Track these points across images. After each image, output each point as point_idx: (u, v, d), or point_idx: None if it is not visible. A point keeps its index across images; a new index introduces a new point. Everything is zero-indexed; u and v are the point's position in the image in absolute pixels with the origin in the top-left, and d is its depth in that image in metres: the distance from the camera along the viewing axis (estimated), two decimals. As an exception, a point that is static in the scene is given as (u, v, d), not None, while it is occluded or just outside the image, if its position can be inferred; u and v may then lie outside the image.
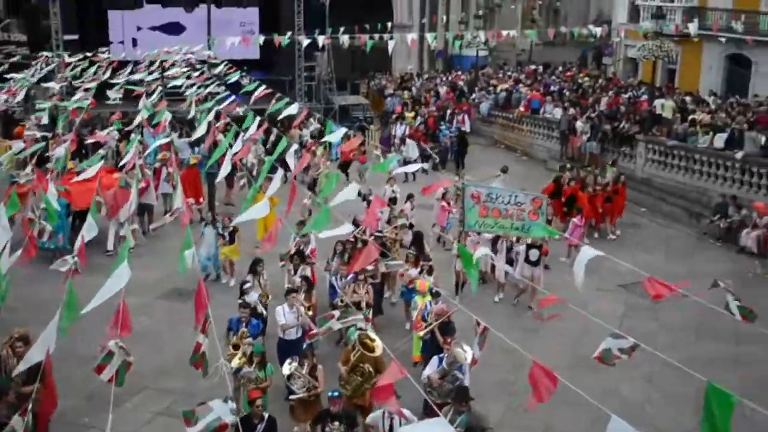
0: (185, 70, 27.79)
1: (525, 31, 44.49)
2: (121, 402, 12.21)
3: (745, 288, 16.35)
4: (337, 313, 12.21)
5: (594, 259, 10.67)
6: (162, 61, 29.69)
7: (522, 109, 35.61)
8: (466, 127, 33.42)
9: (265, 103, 23.33)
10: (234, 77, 27.16)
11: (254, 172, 23.79)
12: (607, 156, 29.61)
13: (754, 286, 19.67)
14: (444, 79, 45.81)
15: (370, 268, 14.74)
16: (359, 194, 16.99)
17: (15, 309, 14.63)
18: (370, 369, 11.52)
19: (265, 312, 14.56)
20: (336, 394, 10.77)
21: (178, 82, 25.75)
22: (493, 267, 18.29)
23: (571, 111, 31.76)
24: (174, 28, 36.36)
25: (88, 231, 11.92)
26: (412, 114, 35.23)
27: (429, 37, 35.33)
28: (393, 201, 20.67)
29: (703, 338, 16.41)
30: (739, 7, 35.49)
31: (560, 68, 49.93)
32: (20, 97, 26.82)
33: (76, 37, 34.40)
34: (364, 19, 40.90)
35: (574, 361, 14.22)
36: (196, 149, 24.94)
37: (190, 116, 23.91)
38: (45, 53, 32.99)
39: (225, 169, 16.31)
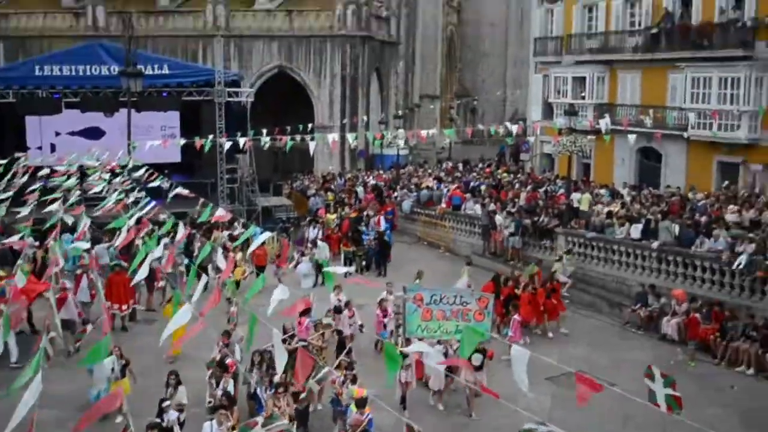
0: (106, 175, 27.51)
1: (444, 129, 45.47)
2: None
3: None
4: (260, 419, 11.93)
5: (525, 355, 10.67)
6: (80, 166, 29.38)
7: (443, 206, 36.09)
8: (382, 228, 32.26)
9: (187, 207, 23.23)
10: (155, 182, 26.98)
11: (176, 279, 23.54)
12: (529, 249, 30.12)
13: (675, 372, 19.94)
14: (365, 179, 46.22)
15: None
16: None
17: None
18: None
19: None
20: None
21: (98, 188, 25.45)
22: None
23: (492, 206, 32.33)
24: (94, 133, 36.22)
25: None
26: (333, 216, 34.86)
27: (350, 137, 35.82)
28: (338, 310, 19.73)
29: (629, 428, 16.48)
30: (646, 102, 37.04)
31: (479, 165, 51.00)
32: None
33: (-8, 143, 33.92)
34: (285, 121, 41.30)
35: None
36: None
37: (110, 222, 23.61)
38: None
39: (142, 273, 16.01)
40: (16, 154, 33.27)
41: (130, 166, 28.72)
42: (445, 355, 16.83)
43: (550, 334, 23.08)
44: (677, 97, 35.54)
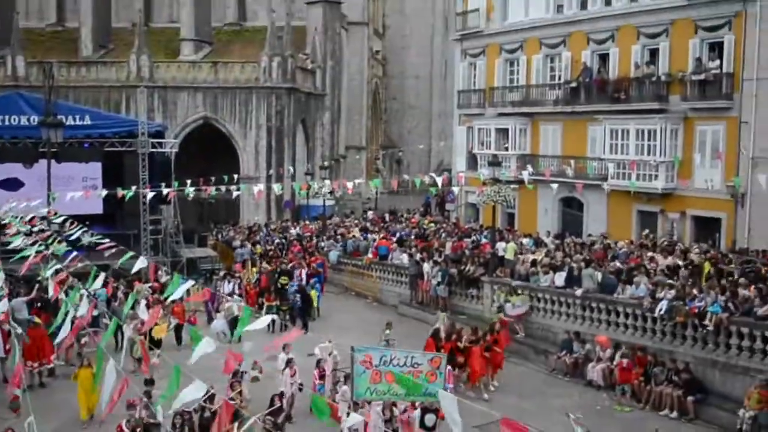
0: (24, 227, 26.77)
1: (370, 180, 45.71)
2: None
3: (595, 420, 16.70)
4: None
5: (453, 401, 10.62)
6: (-2, 218, 28.60)
7: (370, 255, 36.12)
8: (303, 282, 31.74)
9: (110, 259, 22.76)
10: (76, 233, 26.37)
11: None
12: (456, 298, 30.25)
13: (602, 417, 20.20)
14: (289, 230, 46.04)
15: None
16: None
17: None
18: None
19: None
20: None
21: (17, 242, 24.74)
22: None
23: (419, 256, 32.46)
24: (12, 184, 35.33)
25: None
26: (255, 269, 33.97)
27: (275, 187, 35.71)
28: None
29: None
30: (568, 153, 37.88)
31: (405, 215, 51.30)
32: None
33: None
34: (211, 171, 41.02)
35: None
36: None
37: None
38: None
39: (64, 331, 15.61)
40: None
41: (49, 217, 28.05)
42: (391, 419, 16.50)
43: (492, 387, 22.73)
44: (597, 148, 36.48)
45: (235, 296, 28.74)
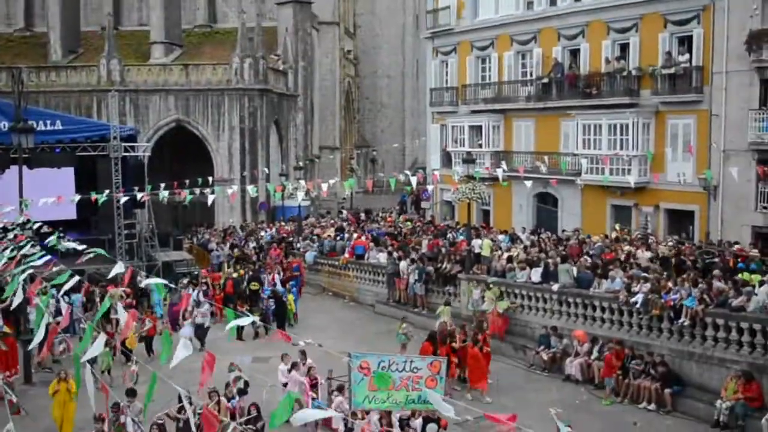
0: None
1: (344, 180, 45.65)
2: None
3: (573, 414, 16.80)
4: None
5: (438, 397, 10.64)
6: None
7: (347, 255, 36.10)
8: (278, 286, 31.27)
9: (85, 264, 22.58)
10: (50, 239, 26.13)
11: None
12: (433, 296, 30.30)
13: (581, 411, 20.33)
14: (262, 232, 45.89)
15: None
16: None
17: None
18: None
19: None
20: None
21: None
22: None
23: (395, 255, 32.49)
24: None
25: None
26: (242, 272, 33.15)
27: (250, 189, 35.51)
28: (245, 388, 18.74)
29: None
30: (541, 149, 38.06)
31: (381, 214, 51.35)
32: None
33: None
34: (184, 174, 40.78)
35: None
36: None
37: None
38: None
39: (39, 336, 15.46)
40: None
41: (21, 222, 27.77)
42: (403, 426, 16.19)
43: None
44: (570, 143, 36.68)
45: (203, 302, 27.55)
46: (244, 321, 12.89)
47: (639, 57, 33.91)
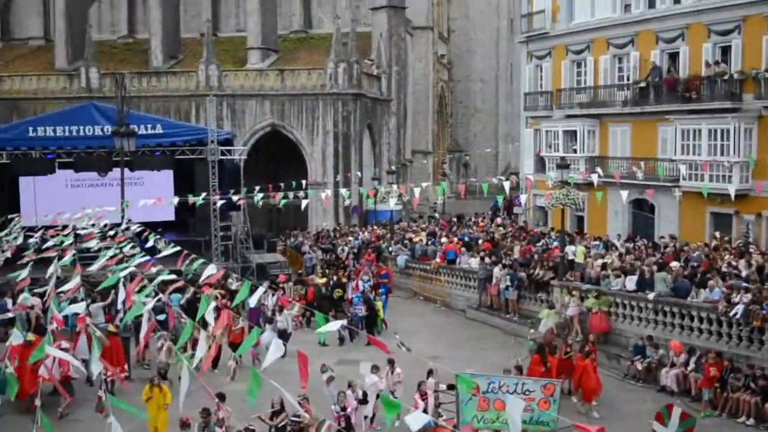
0: (99, 233, 27.42)
1: (437, 185, 45.64)
2: None
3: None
4: None
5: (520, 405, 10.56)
6: (74, 226, 29.30)
7: (438, 260, 36.06)
8: (352, 295, 30.32)
9: (182, 265, 23.15)
10: (149, 240, 26.91)
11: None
12: (525, 303, 30.03)
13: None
14: (358, 236, 46.11)
15: None
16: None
17: None
18: None
19: None
20: None
21: (91, 245, 25.36)
22: None
23: (487, 260, 32.29)
24: (87, 193, 36.23)
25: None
26: (323, 280, 33.08)
27: (343, 193, 35.85)
28: (364, 398, 18.28)
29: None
30: (637, 154, 37.27)
31: (473, 219, 51.12)
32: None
33: (-15, 204, 33.98)
34: (279, 178, 41.42)
35: None
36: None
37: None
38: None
39: (143, 329, 15.90)
40: (10, 216, 33.28)
41: (123, 224, 28.67)
42: None
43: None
44: (668, 149, 35.81)
45: (285, 311, 26.86)
46: (334, 326, 12.95)
47: (741, 60, 32.86)
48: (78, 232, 28.46)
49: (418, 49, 73.71)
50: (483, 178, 43.26)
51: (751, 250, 28.90)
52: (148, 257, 22.30)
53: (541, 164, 43.16)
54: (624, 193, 32.39)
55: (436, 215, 58.14)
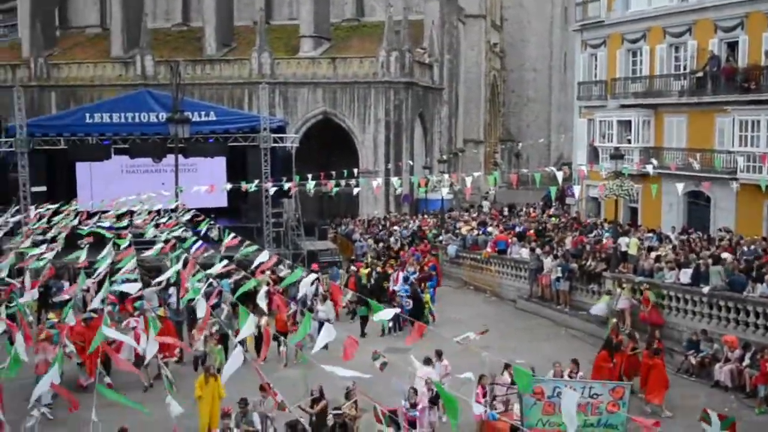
0: (153, 217, 27.83)
1: (488, 174, 45.40)
2: None
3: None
4: None
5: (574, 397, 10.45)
6: (129, 210, 29.77)
7: (489, 250, 35.89)
8: (397, 287, 29.58)
9: (234, 251, 23.39)
10: (202, 226, 27.23)
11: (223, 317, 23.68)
12: (576, 294, 29.77)
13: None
14: (406, 225, 46.05)
15: None
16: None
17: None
18: None
19: None
20: None
21: (146, 230, 25.74)
22: None
23: (539, 251, 32.05)
24: (142, 179, 36.77)
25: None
26: (367, 271, 32.17)
27: (395, 181, 35.80)
28: (435, 399, 17.51)
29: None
30: (694, 146, 36.63)
31: (524, 209, 50.78)
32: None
33: (44, 188, 34.57)
34: (330, 165, 41.55)
35: None
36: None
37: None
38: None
39: (201, 312, 16.09)
40: (66, 201, 33.88)
41: (177, 210, 29.05)
42: None
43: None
44: (725, 140, 35.13)
45: (329, 301, 26.23)
46: (388, 314, 12.92)
47: (803, 50, 32.10)
48: (133, 217, 28.89)
49: (471, 37, 73.28)
50: (535, 169, 42.84)
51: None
52: (201, 243, 22.55)
53: (594, 155, 42.61)
54: (679, 185, 31.87)
55: (487, 204, 57.85)
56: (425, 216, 49.92)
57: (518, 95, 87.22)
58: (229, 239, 24.48)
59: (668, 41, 38.72)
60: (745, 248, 28.51)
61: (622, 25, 41.58)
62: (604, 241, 32.07)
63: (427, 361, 19.10)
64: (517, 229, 38.49)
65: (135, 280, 18.50)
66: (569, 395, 10.26)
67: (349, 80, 55.92)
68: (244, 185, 31.64)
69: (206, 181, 32.06)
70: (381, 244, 40.35)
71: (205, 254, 22.35)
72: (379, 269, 32.23)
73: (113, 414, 13.45)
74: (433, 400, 17.45)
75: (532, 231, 37.61)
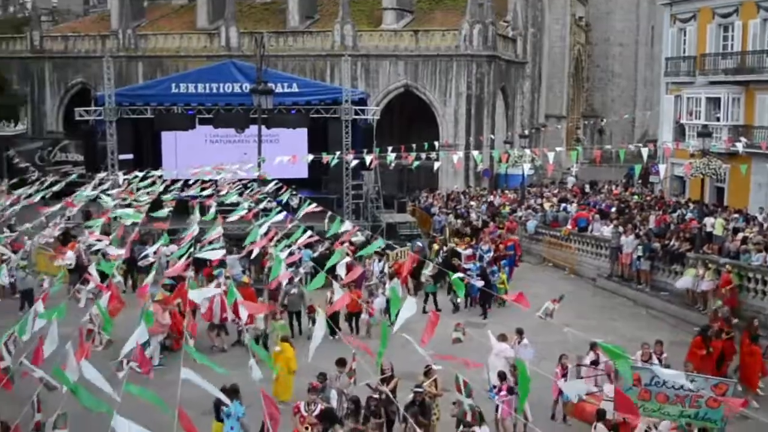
0: (237, 187, 28.24)
1: (570, 150, 44.78)
2: None
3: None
4: None
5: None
6: (214, 180, 30.26)
7: (569, 227, 35.47)
8: (468, 265, 28.22)
9: (315, 221, 23.58)
10: (284, 196, 27.53)
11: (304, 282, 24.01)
12: (658, 274, 29.24)
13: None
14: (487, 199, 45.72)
15: None
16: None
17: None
18: None
19: None
20: None
21: (230, 199, 26.14)
22: None
23: (621, 229, 31.53)
24: (225, 148, 37.39)
25: (140, 337, 12.13)
26: (436, 248, 31.50)
27: (475, 156, 35.52)
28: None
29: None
30: (786, 124, 35.52)
31: (606, 186, 50.01)
32: (77, 210, 27.25)
33: (130, 156, 35.48)
34: (411, 138, 41.50)
35: None
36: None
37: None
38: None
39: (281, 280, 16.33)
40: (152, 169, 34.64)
41: (261, 178, 29.44)
42: None
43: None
44: (820, 119, 33.96)
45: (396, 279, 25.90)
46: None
47: None
48: (217, 186, 29.36)
49: (556, 10, 72.06)
50: (618, 145, 42.04)
51: None
52: (283, 213, 22.81)
53: (680, 132, 41.65)
54: (770, 164, 31.02)
55: (572, 179, 57.09)
56: (505, 191, 49.54)
57: (603, 70, 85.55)
58: (308, 208, 24.70)
59: (762, 16, 37.48)
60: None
61: (714, -1, 40.42)
62: (689, 220, 31.37)
63: (503, 337, 18.79)
64: (599, 207, 37.91)
65: (218, 248, 18.78)
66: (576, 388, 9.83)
67: (431, 53, 55.62)
68: (325, 157, 31.84)
69: (288, 152, 32.31)
70: (460, 220, 39.96)
71: (289, 225, 22.58)
72: (454, 245, 31.34)
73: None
74: (510, 391, 16.56)
75: (613, 209, 37.07)
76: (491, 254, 29.97)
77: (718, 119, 38.64)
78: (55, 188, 29.01)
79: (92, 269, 17.24)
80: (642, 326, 25.27)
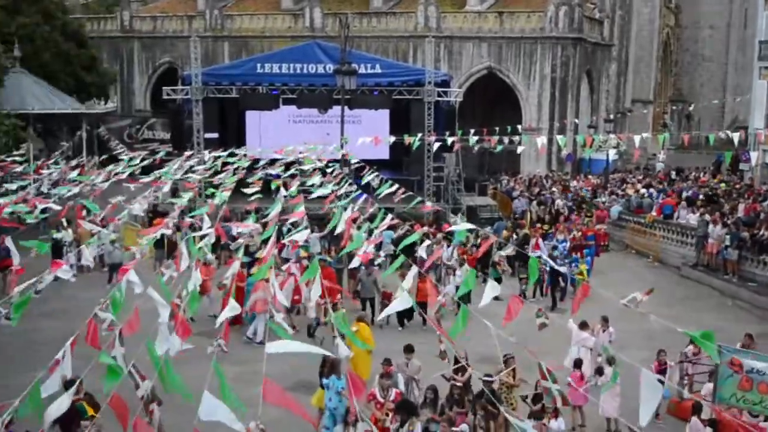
0: (320, 167, 28.45)
1: (658, 135, 43.83)
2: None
3: None
4: None
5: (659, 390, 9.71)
6: (297, 160, 30.55)
7: (654, 214, 34.75)
8: (539, 253, 26.36)
9: (396, 202, 23.62)
10: (366, 178, 27.63)
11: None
12: (746, 264, 28.44)
13: None
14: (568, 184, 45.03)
15: None
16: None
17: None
18: None
19: None
20: None
21: (312, 179, 26.35)
22: None
23: (708, 217, 30.75)
24: (308, 128, 37.75)
25: (231, 311, 12.33)
26: (506, 234, 30.01)
27: (559, 140, 34.97)
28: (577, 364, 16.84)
29: None
30: None
31: (694, 173, 48.85)
32: (166, 189, 27.81)
33: (216, 135, 36.08)
34: (493, 121, 41.15)
35: None
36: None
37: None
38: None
39: (355, 263, 16.40)
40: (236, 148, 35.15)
41: (343, 157, 29.59)
42: None
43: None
44: None
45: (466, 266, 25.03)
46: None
47: None
48: (301, 166, 29.64)
49: (645, -7, 70.46)
50: (707, 131, 40.96)
51: None
52: (364, 194, 22.93)
53: (773, 118, 40.43)
54: None
55: (661, 165, 55.90)
56: (588, 176, 48.79)
57: (692, 54, 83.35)
58: (389, 189, 24.74)
59: None
60: None
61: (813, -19, 38.96)
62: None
63: (583, 326, 18.39)
64: (685, 194, 37.02)
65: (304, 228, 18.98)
66: (653, 386, 9.35)
67: (516, 35, 54.94)
68: (407, 138, 31.81)
69: (370, 133, 32.41)
70: (542, 207, 39.27)
71: (371, 208, 22.68)
72: (527, 232, 30.34)
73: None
74: (599, 371, 16.49)
75: (701, 196, 36.18)
76: (567, 245, 29.01)
77: (813, 105, 37.36)
78: (144, 164, 29.69)
79: (182, 247, 17.53)
80: (728, 317, 24.65)
